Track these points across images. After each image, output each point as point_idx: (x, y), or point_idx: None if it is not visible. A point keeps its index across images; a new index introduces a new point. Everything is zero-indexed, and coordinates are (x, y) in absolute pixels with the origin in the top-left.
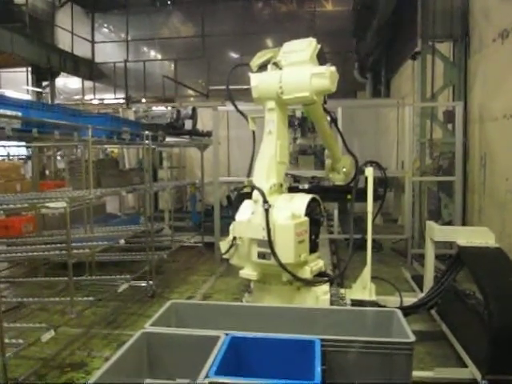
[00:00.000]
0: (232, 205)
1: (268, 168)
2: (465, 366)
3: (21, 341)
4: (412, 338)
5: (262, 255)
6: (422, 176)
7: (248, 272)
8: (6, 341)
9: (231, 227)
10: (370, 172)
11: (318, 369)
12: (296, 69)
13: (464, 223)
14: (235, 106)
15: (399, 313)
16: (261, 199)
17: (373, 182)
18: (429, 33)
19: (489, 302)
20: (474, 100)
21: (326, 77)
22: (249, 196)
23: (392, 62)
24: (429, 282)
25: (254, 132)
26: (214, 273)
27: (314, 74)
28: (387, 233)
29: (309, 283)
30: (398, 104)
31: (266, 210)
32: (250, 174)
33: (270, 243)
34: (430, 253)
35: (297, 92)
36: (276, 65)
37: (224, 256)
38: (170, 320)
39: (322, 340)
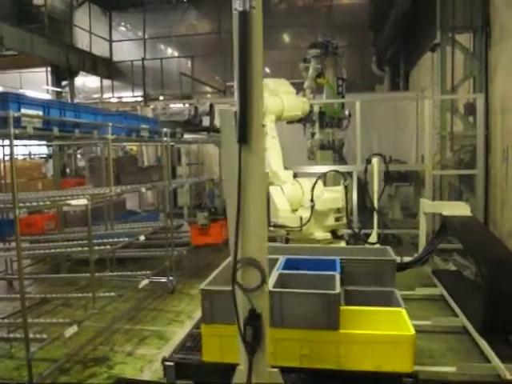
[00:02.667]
0: None
1: (282, 161)
2: (488, 361)
3: (45, 336)
4: (394, 258)
5: (337, 219)
6: (443, 170)
7: (322, 234)
8: (31, 336)
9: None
10: (375, 161)
11: (338, 269)
12: (291, 98)
13: (486, 217)
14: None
15: (389, 248)
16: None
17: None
18: (448, 24)
19: (481, 267)
20: (495, 91)
21: (307, 103)
22: None
23: (410, 55)
24: (422, 245)
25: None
26: None
27: (303, 101)
28: (407, 227)
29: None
30: (417, 97)
31: (346, 187)
32: None
33: (346, 208)
34: (422, 223)
35: (294, 111)
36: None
37: (294, 230)
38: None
39: (341, 259)
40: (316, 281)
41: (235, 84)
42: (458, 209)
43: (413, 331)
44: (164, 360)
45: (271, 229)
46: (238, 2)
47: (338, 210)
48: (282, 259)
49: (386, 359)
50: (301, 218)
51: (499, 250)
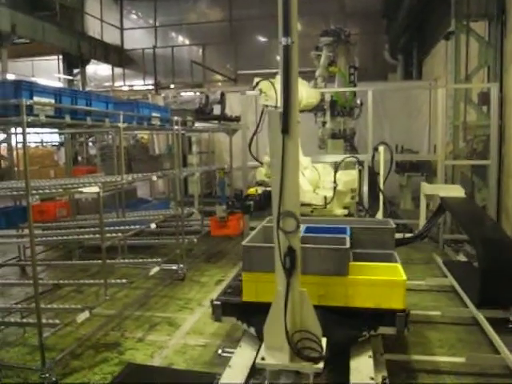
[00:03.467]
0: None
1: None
2: (497, 352)
3: (57, 321)
4: (393, 226)
5: (352, 197)
6: (455, 160)
7: (341, 211)
8: (43, 321)
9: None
10: (381, 149)
11: (348, 233)
12: (308, 89)
13: (499, 208)
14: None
15: (391, 220)
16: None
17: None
18: (463, 11)
19: (476, 244)
20: (510, 81)
21: (318, 92)
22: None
23: (424, 43)
24: (422, 223)
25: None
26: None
27: (315, 91)
28: (418, 218)
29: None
30: (430, 86)
31: (360, 171)
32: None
33: (359, 189)
34: (422, 204)
35: (311, 99)
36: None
37: (318, 208)
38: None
39: (351, 228)
40: (330, 241)
41: (280, 94)
42: (454, 191)
43: (404, 277)
44: (212, 301)
45: None
46: (283, 39)
47: (352, 190)
48: (303, 227)
49: (384, 299)
50: (325, 197)
51: (493, 229)
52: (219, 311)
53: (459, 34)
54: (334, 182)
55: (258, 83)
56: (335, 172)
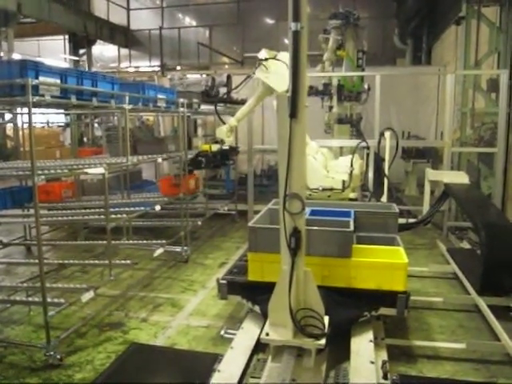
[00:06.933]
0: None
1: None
2: (498, 339)
3: (62, 300)
4: (396, 211)
5: (362, 180)
6: (462, 147)
7: (353, 194)
8: (48, 300)
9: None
10: (387, 135)
11: (352, 216)
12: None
13: (504, 196)
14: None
15: (394, 205)
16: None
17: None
18: None
19: (479, 231)
20: None
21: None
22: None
23: (434, 28)
24: (425, 209)
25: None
26: (246, 240)
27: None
28: (422, 204)
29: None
30: (439, 72)
31: (368, 154)
32: None
33: (366, 172)
34: (427, 189)
35: None
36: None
37: (336, 192)
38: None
39: (355, 211)
40: (335, 224)
41: (289, 77)
42: (458, 177)
43: (406, 260)
44: (218, 279)
45: (316, 191)
46: (293, 24)
47: (361, 174)
48: (308, 210)
49: (386, 280)
50: (343, 181)
51: (496, 215)
52: (225, 289)
53: (470, 19)
54: (351, 165)
55: (267, 59)
56: (353, 156)
